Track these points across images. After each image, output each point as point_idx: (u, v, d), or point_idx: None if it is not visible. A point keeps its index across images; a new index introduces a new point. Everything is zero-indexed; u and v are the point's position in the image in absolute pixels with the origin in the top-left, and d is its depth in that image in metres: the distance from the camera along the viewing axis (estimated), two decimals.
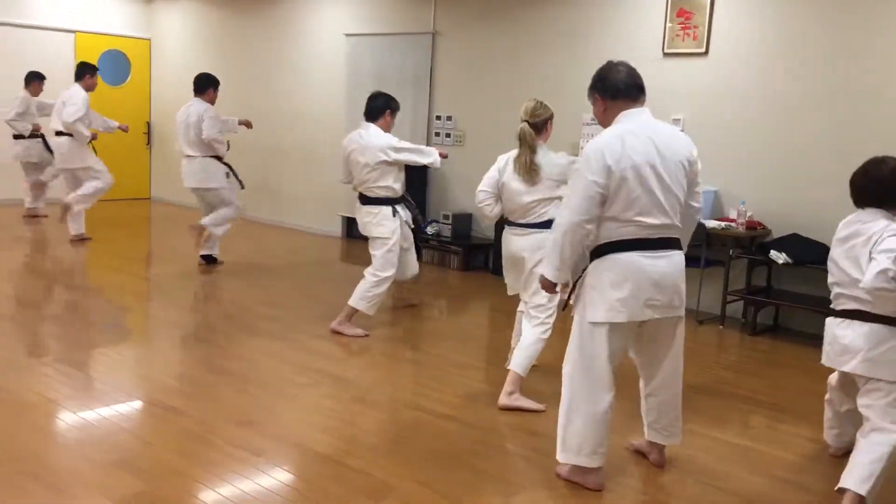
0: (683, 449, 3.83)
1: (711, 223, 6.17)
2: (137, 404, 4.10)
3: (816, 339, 5.83)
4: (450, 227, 8.05)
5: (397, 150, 5.55)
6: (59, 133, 8.16)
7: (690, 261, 6.31)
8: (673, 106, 6.72)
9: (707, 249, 6.24)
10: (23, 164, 9.41)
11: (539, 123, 4.29)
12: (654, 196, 3.07)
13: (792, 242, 5.94)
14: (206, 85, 7.26)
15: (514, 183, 4.29)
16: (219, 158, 7.22)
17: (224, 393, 4.31)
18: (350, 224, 9.55)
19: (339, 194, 9.37)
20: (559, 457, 3.33)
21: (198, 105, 7.16)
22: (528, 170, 4.24)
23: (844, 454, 3.77)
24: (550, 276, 3.26)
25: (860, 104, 5.82)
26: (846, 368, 3.34)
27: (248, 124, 7.72)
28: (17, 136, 9.26)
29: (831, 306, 3.49)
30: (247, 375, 4.59)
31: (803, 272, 5.93)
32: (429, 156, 5.74)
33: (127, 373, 4.61)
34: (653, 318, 3.18)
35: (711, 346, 5.80)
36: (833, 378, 3.77)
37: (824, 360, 3.51)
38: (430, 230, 8.18)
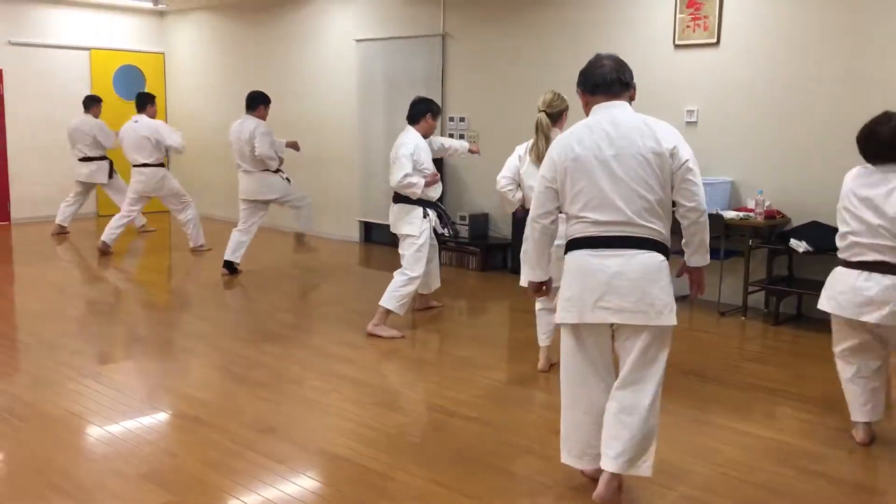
0: (709, 441, 3.81)
1: (730, 213, 6.12)
2: (161, 416, 4.13)
3: None
4: (467, 227, 8.05)
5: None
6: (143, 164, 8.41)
7: (711, 252, 6.32)
8: (686, 97, 6.68)
9: (726, 240, 6.19)
10: (81, 183, 9.52)
11: (555, 114, 4.61)
12: (601, 190, 2.91)
13: (811, 230, 5.88)
14: (257, 102, 7.43)
15: (531, 171, 4.47)
16: (276, 171, 7.46)
17: (246, 401, 4.33)
18: (368, 229, 9.59)
19: (357, 200, 9.43)
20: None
21: (250, 122, 7.33)
22: (542, 157, 4.27)
23: (873, 440, 3.75)
24: (526, 275, 3.26)
25: (873, 89, 5.76)
26: (871, 319, 3.48)
27: (295, 146, 7.87)
28: (85, 159, 9.36)
29: (842, 256, 3.61)
30: (268, 383, 4.62)
31: (824, 259, 5.86)
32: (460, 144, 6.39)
33: (150, 385, 4.65)
34: (610, 320, 2.97)
35: (734, 338, 5.75)
36: (846, 347, 3.74)
37: (833, 309, 3.62)
38: (446, 232, 8.16)
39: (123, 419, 4.04)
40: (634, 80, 3.13)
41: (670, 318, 2.96)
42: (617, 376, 3.07)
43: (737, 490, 3.32)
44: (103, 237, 8.45)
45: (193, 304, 6.68)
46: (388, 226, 9.08)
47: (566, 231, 3.09)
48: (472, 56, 8.16)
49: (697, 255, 3.11)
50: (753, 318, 6.19)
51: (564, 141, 3.03)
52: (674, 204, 3.01)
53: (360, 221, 9.53)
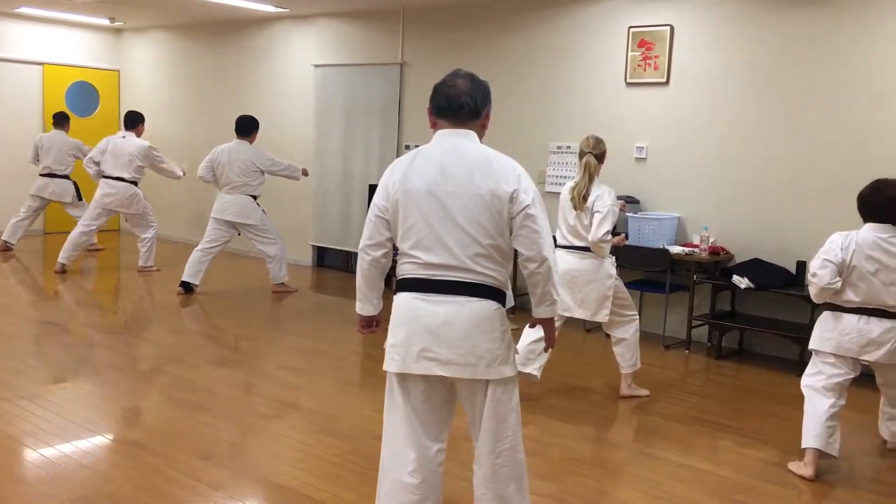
0: (650, 473, 3.86)
1: (676, 248, 6.24)
2: (99, 440, 4.05)
3: (780, 363, 5.94)
4: None
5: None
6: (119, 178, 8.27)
7: (656, 286, 6.41)
8: (636, 134, 6.83)
9: (671, 275, 6.31)
10: (39, 198, 9.26)
11: (601, 155, 4.81)
12: (433, 229, 2.64)
13: (753, 267, 6.02)
14: (252, 128, 7.69)
15: (566, 207, 4.81)
16: (254, 197, 7.60)
17: (187, 426, 4.27)
18: (321, 253, 9.55)
19: (310, 224, 9.40)
20: None
21: (246, 147, 7.60)
22: (582, 197, 4.69)
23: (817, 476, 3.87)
24: (357, 308, 2.95)
25: (817, 130, 5.96)
26: (872, 358, 3.88)
27: (305, 173, 8.00)
28: (51, 175, 9.14)
29: (835, 301, 3.97)
30: (210, 408, 4.56)
31: (765, 296, 6.02)
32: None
33: (88, 407, 4.55)
34: (437, 373, 2.68)
35: (678, 371, 5.84)
36: (833, 381, 3.99)
37: (833, 349, 3.94)
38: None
39: (59, 442, 3.95)
40: (490, 107, 2.81)
41: (503, 371, 2.70)
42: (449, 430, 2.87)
43: None
44: (61, 259, 8.24)
45: (139, 325, 6.58)
46: (341, 251, 9.15)
47: (397, 269, 2.80)
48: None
49: (542, 306, 2.77)
50: (697, 351, 6.30)
51: (400, 169, 2.74)
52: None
53: (313, 246, 9.49)
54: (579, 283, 4.82)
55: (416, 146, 8.21)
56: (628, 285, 5.29)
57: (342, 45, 9.01)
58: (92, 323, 6.70)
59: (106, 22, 10.71)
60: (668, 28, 6.59)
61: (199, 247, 7.58)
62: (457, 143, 2.73)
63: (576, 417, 4.64)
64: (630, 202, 6.54)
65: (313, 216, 9.37)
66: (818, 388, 3.99)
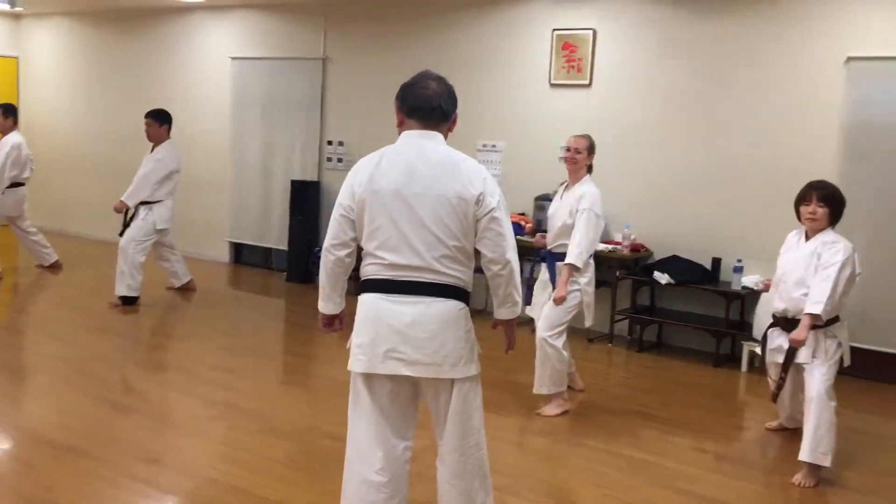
0: (590, 463, 4.01)
1: (599, 246, 6.42)
2: (32, 446, 3.89)
3: (698, 355, 6.23)
4: None
5: None
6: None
7: None
8: (560, 134, 6.97)
9: (596, 272, 6.50)
10: None
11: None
12: (399, 231, 2.67)
13: (672, 264, 6.29)
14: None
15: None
16: None
17: (124, 429, 4.16)
18: (238, 250, 9.38)
19: (227, 220, 9.21)
20: None
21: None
22: None
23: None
24: (319, 307, 2.96)
25: (733, 132, 6.27)
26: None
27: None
28: None
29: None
30: (146, 410, 4.46)
31: (683, 291, 6.30)
32: None
33: (14, 412, 4.37)
34: (403, 373, 2.71)
35: (602, 364, 6.05)
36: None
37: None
38: None
39: None
40: (457, 111, 2.86)
41: (468, 369, 2.76)
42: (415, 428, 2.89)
43: None
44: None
45: (55, 327, 6.31)
46: (259, 247, 9.00)
47: (361, 269, 2.80)
48: (353, 81, 8.20)
49: (504, 307, 2.84)
50: (619, 344, 6.53)
51: (366, 169, 2.76)
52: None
53: (231, 242, 9.31)
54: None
55: (340, 142, 8.31)
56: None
57: (261, 38, 8.87)
58: (3, 325, 6.38)
59: (5, 6, 10.16)
60: (591, 32, 6.79)
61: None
62: (424, 144, 2.76)
63: (511, 411, 4.75)
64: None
65: (230, 212, 9.20)
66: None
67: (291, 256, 8.44)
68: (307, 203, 8.34)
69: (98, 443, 3.94)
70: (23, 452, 3.80)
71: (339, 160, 8.36)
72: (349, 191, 2.77)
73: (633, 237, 6.49)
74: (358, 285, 2.81)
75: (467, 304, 2.80)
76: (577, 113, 6.91)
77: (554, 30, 6.97)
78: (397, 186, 2.69)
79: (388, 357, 2.71)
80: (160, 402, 4.62)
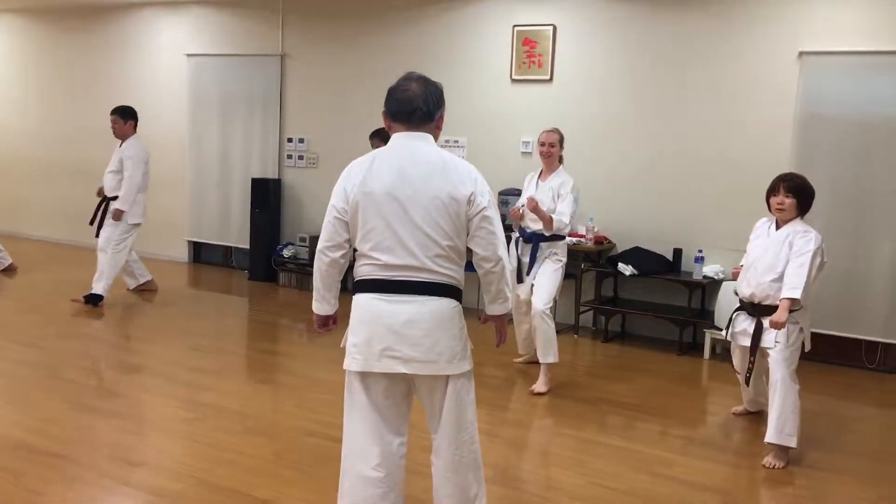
0: (572, 453, 4.12)
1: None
2: (16, 453, 3.84)
3: (661, 343, 6.40)
4: (307, 248, 8.05)
5: None
6: None
7: None
8: (522, 129, 7.13)
9: None
10: None
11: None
12: (393, 232, 2.73)
13: (635, 255, 6.46)
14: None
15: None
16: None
17: (106, 433, 4.13)
18: (197, 249, 9.29)
19: (187, 219, 9.12)
20: None
21: None
22: None
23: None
24: (314, 307, 3.02)
25: (689, 126, 6.46)
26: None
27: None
28: None
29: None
30: (125, 413, 4.43)
31: (645, 282, 6.47)
32: None
33: None
34: (400, 371, 2.78)
35: (568, 354, 6.16)
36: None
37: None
38: (286, 253, 8.15)
39: None
40: (444, 109, 2.89)
41: (462, 365, 2.83)
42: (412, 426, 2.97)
43: (605, 497, 3.63)
44: None
45: (20, 332, 6.19)
46: (219, 245, 8.94)
47: (355, 270, 2.87)
48: (312, 77, 8.19)
49: (496, 303, 2.93)
50: (584, 335, 6.69)
51: (358, 171, 2.80)
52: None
53: (189, 241, 9.22)
54: None
55: (301, 139, 8.30)
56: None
57: (218, 35, 8.79)
58: None
59: None
60: (551, 28, 6.91)
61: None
62: (414, 146, 2.81)
63: (484, 402, 4.84)
64: (518, 195, 6.81)
65: (190, 211, 9.10)
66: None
67: (253, 254, 8.41)
68: (268, 201, 8.31)
69: (82, 448, 3.91)
70: (6, 460, 3.75)
71: (300, 157, 8.34)
72: (342, 193, 2.80)
73: (595, 230, 6.63)
74: (352, 285, 2.86)
75: (460, 301, 2.87)
76: (539, 108, 7.03)
77: (514, 26, 7.07)
78: (390, 188, 2.73)
79: (384, 356, 2.76)
80: (138, 404, 4.60)
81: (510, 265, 2.90)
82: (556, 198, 5.22)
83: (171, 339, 6.03)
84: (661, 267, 6.40)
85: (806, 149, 5.98)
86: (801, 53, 5.99)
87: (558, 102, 6.96)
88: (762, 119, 6.17)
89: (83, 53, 9.78)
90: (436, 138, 2.91)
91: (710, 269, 6.18)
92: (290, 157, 8.41)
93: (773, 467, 4.06)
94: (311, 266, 8.38)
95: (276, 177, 8.45)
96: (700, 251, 6.22)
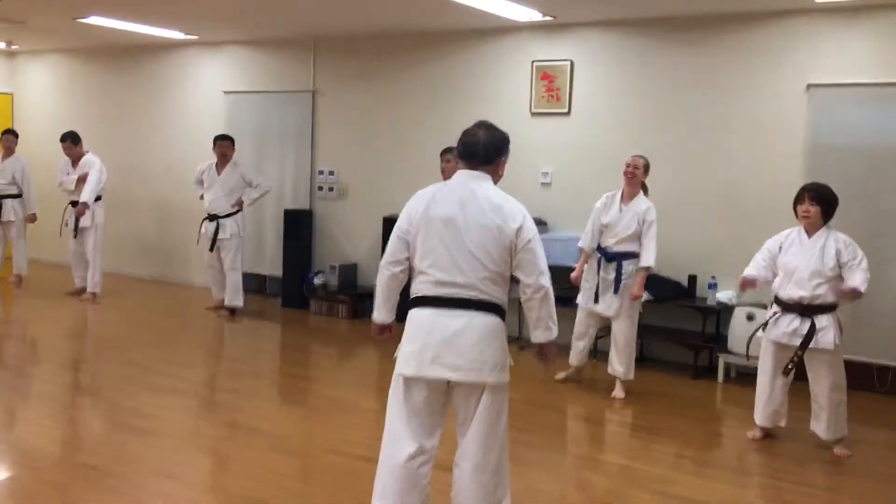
0: (578, 471, 4.32)
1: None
2: (57, 467, 4.15)
3: (677, 367, 6.52)
4: (336, 277, 8.35)
5: None
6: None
7: (565, 301, 6.91)
8: (541, 160, 7.38)
9: (571, 290, 6.84)
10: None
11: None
12: (449, 255, 3.10)
13: (652, 282, 6.59)
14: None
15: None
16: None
17: (141, 449, 4.42)
18: None
19: None
20: None
21: None
22: None
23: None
24: (373, 316, 3.42)
25: (703, 157, 6.66)
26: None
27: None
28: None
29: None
30: (158, 431, 4.72)
31: (662, 307, 6.63)
32: None
33: (37, 436, 4.61)
34: (447, 377, 3.11)
35: (586, 376, 6.34)
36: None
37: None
38: (317, 281, 8.46)
39: (19, 469, 4.05)
40: (506, 156, 3.28)
41: (502, 376, 3.16)
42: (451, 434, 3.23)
43: None
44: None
45: (57, 354, 6.56)
46: (254, 274, 9.25)
47: (412, 287, 3.24)
48: (342, 112, 8.56)
49: (538, 330, 3.22)
50: (602, 360, 6.79)
51: (424, 198, 3.21)
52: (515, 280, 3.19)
53: None
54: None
55: (331, 172, 8.64)
56: None
57: (253, 73, 9.21)
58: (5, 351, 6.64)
59: (1, 45, 10.47)
60: (568, 63, 7.18)
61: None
62: (474, 184, 3.21)
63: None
64: (538, 224, 7.05)
65: None
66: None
67: (286, 283, 8.74)
68: (300, 231, 8.65)
69: (118, 463, 4.20)
70: (50, 474, 4.06)
71: (330, 189, 8.69)
72: (407, 216, 3.23)
73: None
74: (408, 303, 3.23)
75: (503, 319, 3.22)
76: (557, 140, 7.29)
77: (533, 61, 7.35)
78: (450, 216, 3.14)
79: (435, 363, 3.11)
80: (173, 423, 4.89)
81: (551, 295, 3.18)
82: (641, 222, 5.68)
83: (207, 362, 6.35)
84: (676, 293, 6.57)
85: (815, 179, 6.02)
86: (810, 86, 6.18)
87: (576, 135, 7.22)
88: (772, 150, 6.36)
89: (126, 92, 10.25)
90: (495, 180, 3.29)
91: (723, 296, 6.35)
92: (320, 188, 8.77)
93: (844, 455, 4.65)
94: (341, 294, 8.67)
95: (308, 208, 8.80)
96: (713, 278, 6.40)
